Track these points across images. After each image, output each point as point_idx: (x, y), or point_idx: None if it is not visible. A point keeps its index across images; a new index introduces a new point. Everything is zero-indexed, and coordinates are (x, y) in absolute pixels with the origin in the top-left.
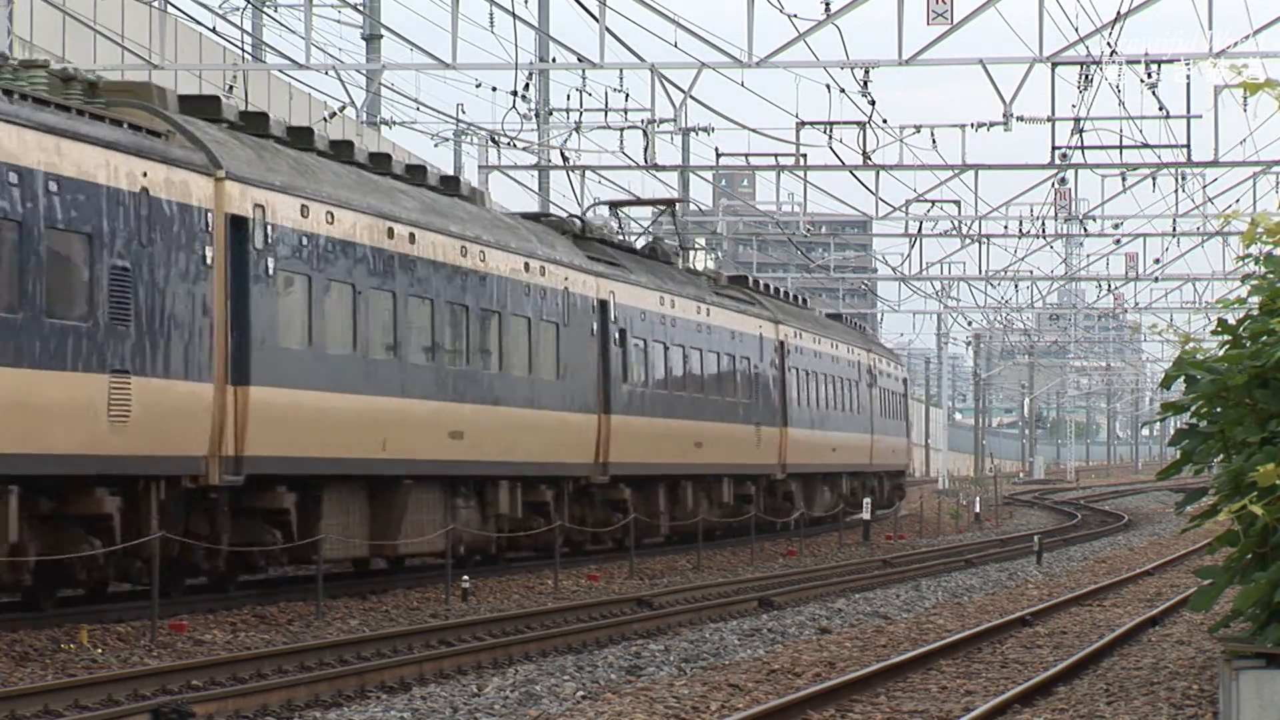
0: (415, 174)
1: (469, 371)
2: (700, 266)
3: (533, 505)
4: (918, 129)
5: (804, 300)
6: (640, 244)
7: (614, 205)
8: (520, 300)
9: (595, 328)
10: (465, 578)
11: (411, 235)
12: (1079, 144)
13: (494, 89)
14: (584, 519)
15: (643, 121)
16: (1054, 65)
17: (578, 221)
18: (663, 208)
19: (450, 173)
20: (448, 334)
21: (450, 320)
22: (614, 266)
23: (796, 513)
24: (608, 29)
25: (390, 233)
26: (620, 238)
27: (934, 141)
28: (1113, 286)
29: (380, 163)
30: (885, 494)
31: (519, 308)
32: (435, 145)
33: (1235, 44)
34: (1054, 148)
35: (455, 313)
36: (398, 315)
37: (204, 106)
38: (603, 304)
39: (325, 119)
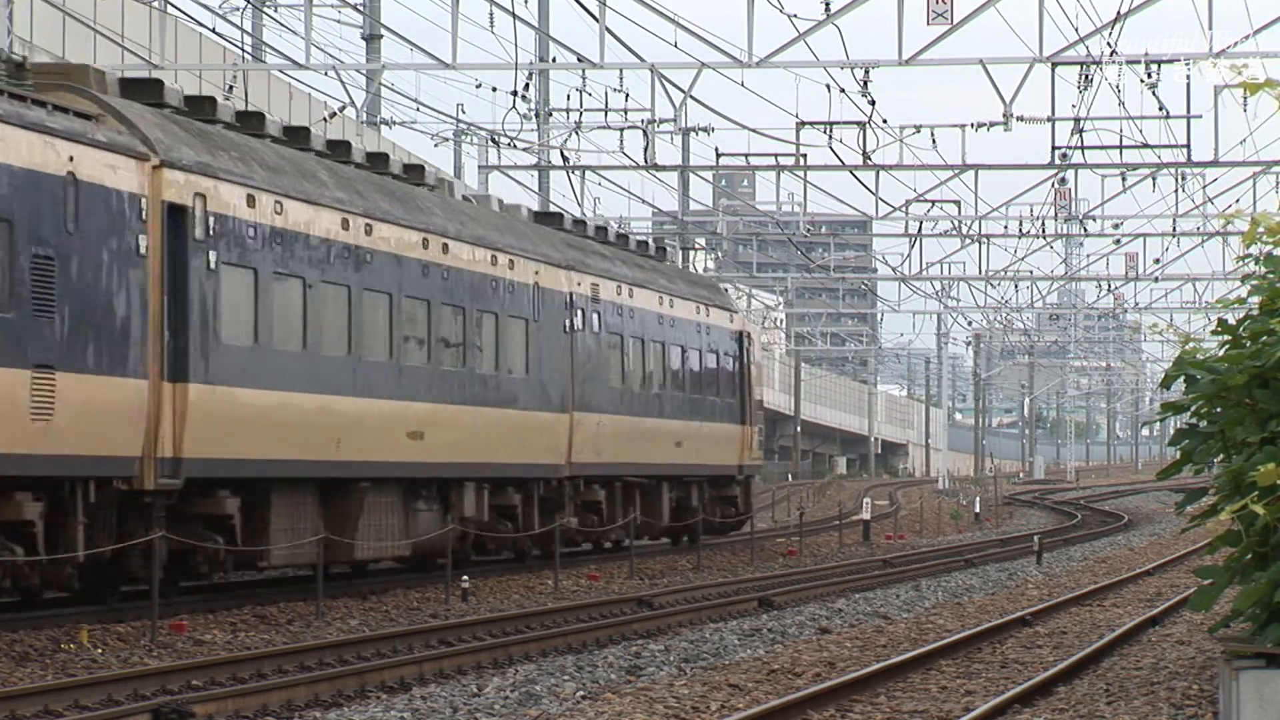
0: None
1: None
2: (700, 267)
3: None
4: (918, 129)
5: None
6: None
7: None
8: None
9: None
10: (465, 578)
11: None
12: (1079, 144)
13: (494, 89)
14: None
15: (643, 121)
16: (1054, 65)
17: None
18: None
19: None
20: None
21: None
22: None
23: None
24: (608, 29)
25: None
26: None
27: (934, 141)
28: (1113, 286)
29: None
30: (676, 509)
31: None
32: (435, 145)
33: (1235, 44)
34: (1054, 148)
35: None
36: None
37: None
38: None
39: (325, 119)
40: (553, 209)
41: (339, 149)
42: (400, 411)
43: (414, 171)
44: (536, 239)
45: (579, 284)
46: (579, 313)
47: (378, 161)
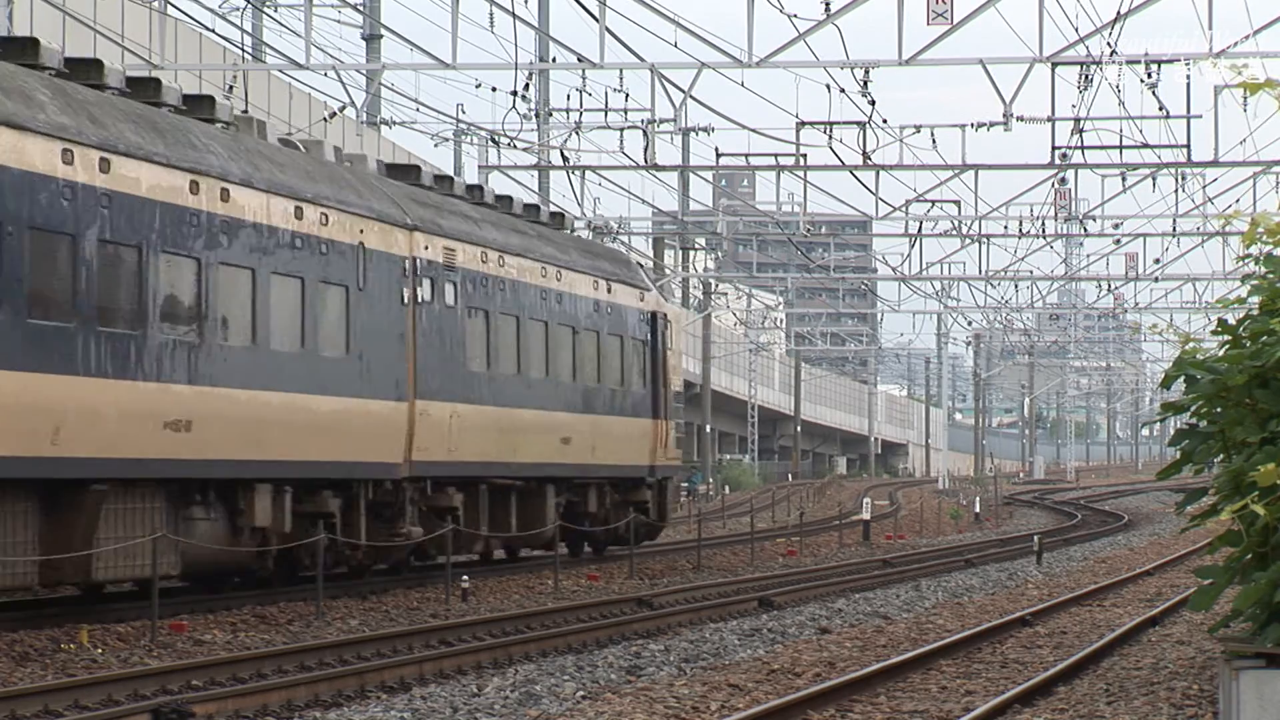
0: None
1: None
2: (700, 267)
3: None
4: (918, 129)
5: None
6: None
7: None
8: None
9: None
10: (465, 577)
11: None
12: (1079, 144)
13: (494, 89)
14: None
15: (643, 121)
16: (1054, 65)
17: None
18: None
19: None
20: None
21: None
22: None
23: None
24: (608, 29)
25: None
26: None
27: (934, 141)
28: (1113, 286)
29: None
30: (567, 516)
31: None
32: (435, 145)
33: (1235, 44)
34: (1054, 148)
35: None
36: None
37: None
38: None
39: (325, 119)
40: (553, 209)
41: (84, 70)
42: (153, 396)
43: (200, 104)
44: (365, 191)
45: (426, 247)
46: (426, 282)
47: (144, 88)
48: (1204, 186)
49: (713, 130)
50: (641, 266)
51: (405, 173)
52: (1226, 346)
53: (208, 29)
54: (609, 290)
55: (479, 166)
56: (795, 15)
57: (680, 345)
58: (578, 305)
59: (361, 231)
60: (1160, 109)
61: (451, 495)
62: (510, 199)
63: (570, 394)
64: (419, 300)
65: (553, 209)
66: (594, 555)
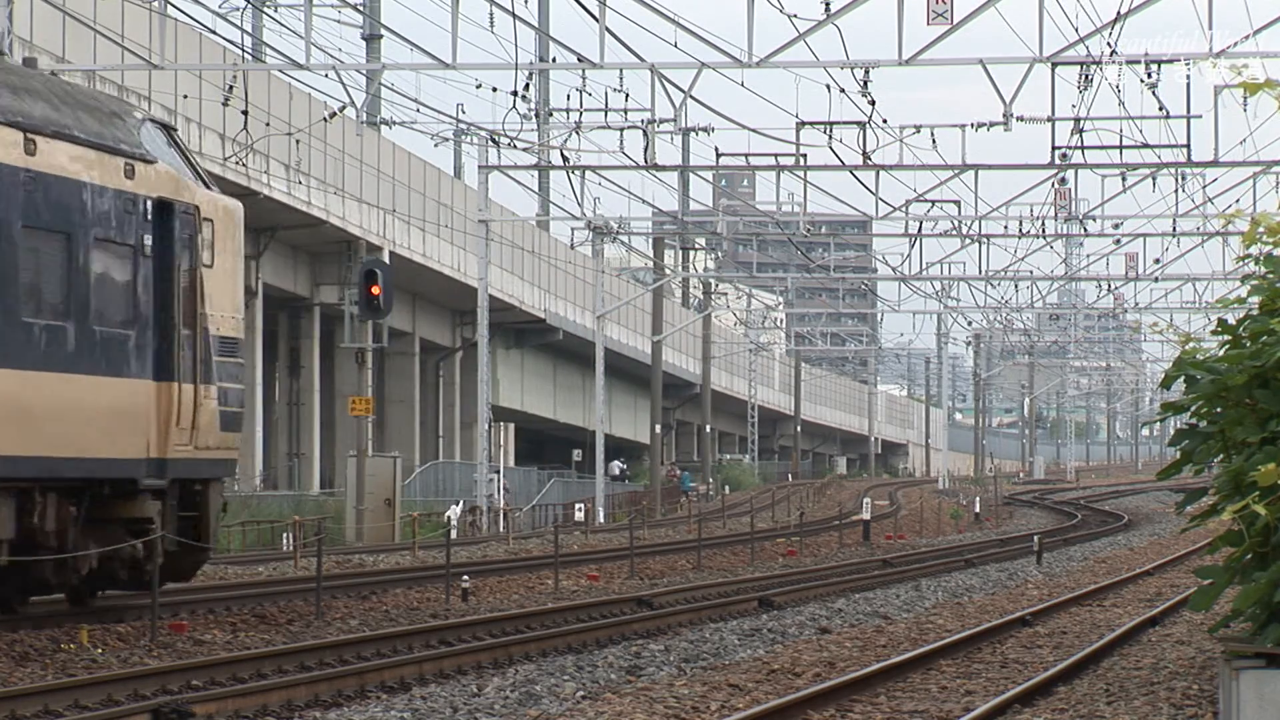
0: None
1: None
2: (700, 267)
3: None
4: (918, 129)
5: None
6: None
7: None
8: None
9: None
10: (465, 577)
11: None
12: (1079, 144)
13: (494, 89)
14: None
15: (643, 121)
16: (1054, 65)
17: None
18: None
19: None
20: None
21: None
22: None
23: None
24: (608, 29)
25: None
26: None
27: (934, 141)
28: (1113, 286)
29: None
30: None
31: None
32: (435, 145)
33: (1235, 44)
34: (1054, 148)
35: None
36: None
37: None
38: None
39: (325, 119)
40: (553, 209)
41: None
42: None
43: None
44: None
45: None
46: None
47: None
48: (1204, 186)
49: (713, 130)
50: (168, 128)
51: None
52: (1226, 346)
53: (208, 29)
54: (31, 150)
55: (479, 166)
56: (795, 15)
57: (238, 261)
58: None
59: None
60: (1160, 109)
61: None
62: None
63: None
64: None
65: None
66: (71, 608)
